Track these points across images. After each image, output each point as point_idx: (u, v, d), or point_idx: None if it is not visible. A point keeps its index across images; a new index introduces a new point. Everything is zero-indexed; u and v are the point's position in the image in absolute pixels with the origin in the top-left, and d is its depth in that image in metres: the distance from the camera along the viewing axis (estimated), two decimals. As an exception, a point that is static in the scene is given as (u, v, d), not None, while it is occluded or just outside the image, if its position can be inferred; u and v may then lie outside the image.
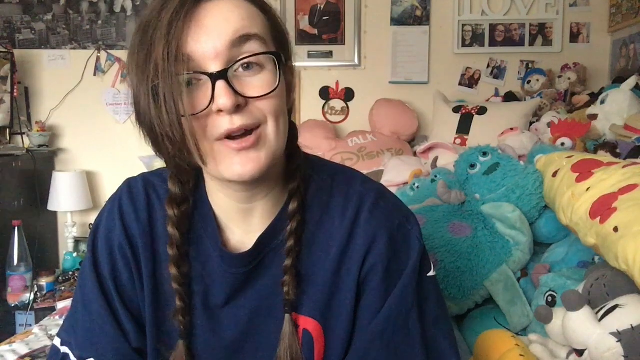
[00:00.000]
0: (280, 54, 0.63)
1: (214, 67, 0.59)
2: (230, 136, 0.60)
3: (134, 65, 0.62)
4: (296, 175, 0.71)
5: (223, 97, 0.58)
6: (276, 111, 0.62)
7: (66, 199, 2.53)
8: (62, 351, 0.75)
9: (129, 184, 0.76)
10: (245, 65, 0.61)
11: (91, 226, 2.73)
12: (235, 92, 0.59)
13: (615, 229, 0.88)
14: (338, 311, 0.71)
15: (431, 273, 0.74)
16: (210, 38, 0.59)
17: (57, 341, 0.76)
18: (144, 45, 0.60)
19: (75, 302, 0.76)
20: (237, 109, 0.59)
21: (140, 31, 0.61)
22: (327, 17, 2.70)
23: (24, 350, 1.23)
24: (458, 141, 2.20)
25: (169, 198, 0.72)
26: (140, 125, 0.64)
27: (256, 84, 0.61)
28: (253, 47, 0.61)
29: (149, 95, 0.59)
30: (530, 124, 2.10)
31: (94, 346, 0.72)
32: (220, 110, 0.59)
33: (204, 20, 0.59)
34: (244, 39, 0.60)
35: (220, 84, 0.58)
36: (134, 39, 0.63)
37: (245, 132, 0.61)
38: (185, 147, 0.61)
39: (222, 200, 0.71)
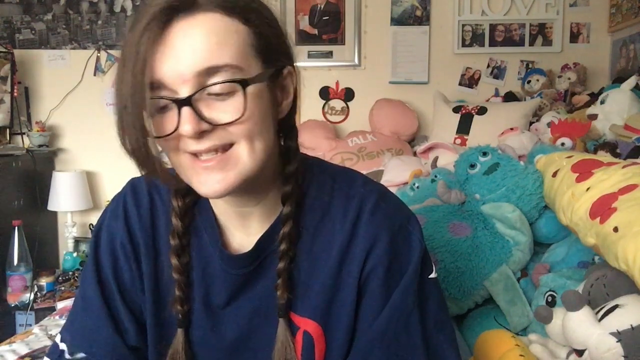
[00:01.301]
0: (247, 81, 0.59)
1: (184, 91, 0.58)
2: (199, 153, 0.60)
3: (115, 82, 0.61)
4: (290, 180, 0.71)
5: (187, 124, 0.57)
6: (249, 134, 0.61)
7: (66, 199, 2.52)
8: (60, 347, 0.76)
9: (133, 184, 0.77)
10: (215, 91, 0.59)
11: (91, 226, 2.73)
12: (201, 118, 0.58)
13: (615, 229, 0.88)
14: (338, 312, 0.71)
15: (432, 275, 0.74)
16: (177, 65, 0.57)
17: (57, 338, 0.78)
18: (120, 64, 0.60)
19: (76, 300, 0.78)
20: (203, 133, 0.59)
21: (121, 48, 0.61)
22: (327, 17, 2.70)
23: (24, 350, 1.23)
24: (458, 141, 2.20)
25: (175, 190, 0.72)
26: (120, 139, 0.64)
27: (226, 109, 0.59)
28: (222, 76, 0.58)
29: (121, 116, 0.60)
30: (530, 124, 2.10)
31: (87, 343, 0.73)
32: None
33: (173, 42, 0.58)
34: (212, 70, 0.58)
35: (186, 111, 0.57)
36: (119, 57, 0.63)
37: (215, 152, 0.60)
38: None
39: (219, 203, 0.72)
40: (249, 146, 0.61)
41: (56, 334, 0.82)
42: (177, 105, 0.58)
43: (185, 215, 0.73)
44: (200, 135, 0.58)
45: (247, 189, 0.66)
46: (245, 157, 0.61)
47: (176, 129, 0.58)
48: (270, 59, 0.63)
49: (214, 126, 0.59)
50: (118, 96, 0.60)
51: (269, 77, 0.63)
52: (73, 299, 0.81)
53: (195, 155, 0.61)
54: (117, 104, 0.60)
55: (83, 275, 0.77)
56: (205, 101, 0.59)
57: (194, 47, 0.57)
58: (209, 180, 0.61)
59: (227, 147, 0.60)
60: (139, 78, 0.57)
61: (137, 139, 0.59)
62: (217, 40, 0.58)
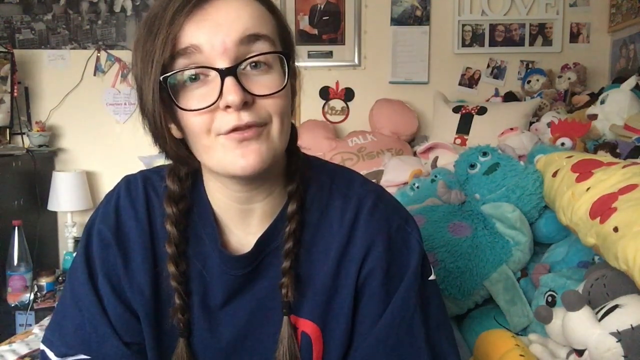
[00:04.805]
0: (289, 54, 0.63)
1: (222, 63, 0.59)
2: (234, 130, 0.60)
3: (139, 58, 0.62)
4: (295, 177, 0.71)
5: (232, 93, 0.58)
6: (281, 111, 0.62)
7: (66, 199, 2.52)
8: (40, 348, 0.74)
9: (127, 181, 0.76)
10: (253, 64, 0.61)
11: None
12: (243, 89, 0.59)
13: (615, 229, 0.88)
14: (337, 314, 0.70)
15: (432, 277, 0.74)
16: (219, 33, 0.59)
17: (42, 344, 0.75)
18: (148, 37, 0.61)
19: (63, 300, 0.75)
20: (244, 106, 0.59)
21: (146, 23, 0.62)
22: (327, 17, 2.70)
23: (24, 350, 1.23)
24: (458, 141, 2.20)
25: (167, 196, 0.71)
26: (143, 117, 0.64)
27: (264, 83, 0.61)
28: (261, 47, 0.61)
29: (152, 87, 0.60)
30: (530, 124, 2.10)
31: (84, 343, 0.71)
32: (227, 107, 0.59)
33: (214, 14, 0.59)
34: (253, 38, 0.60)
35: (230, 80, 0.58)
36: (139, 31, 0.63)
37: (250, 128, 0.61)
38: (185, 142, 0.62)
39: (221, 201, 0.71)
40: (280, 125, 0.63)
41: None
42: (220, 75, 0.59)
43: (180, 222, 0.71)
44: (241, 107, 0.59)
45: (258, 181, 0.67)
46: (276, 135, 0.63)
47: (216, 101, 0.59)
48: (288, 50, 0.66)
49: (254, 98, 0.60)
50: (147, 70, 0.60)
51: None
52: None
53: (229, 133, 0.61)
54: (147, 79, 0.61)
55: (72, 275, 0.74)
56: (244, 75, 0.60)
57: (238, 14, 0.60)
58: (244, 153, 0.61)
59: (261, 125, 0.61)
60: (170, 45, 0.59)
61: (153, 104, 0.61)
62: (257, 14, 0.62)
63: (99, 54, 2.71)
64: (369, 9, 2.69)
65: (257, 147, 0.61)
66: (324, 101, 2.75)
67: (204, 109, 0.60)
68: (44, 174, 2.56)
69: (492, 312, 1.21)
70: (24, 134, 2.65)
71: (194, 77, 0.60)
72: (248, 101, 0.59)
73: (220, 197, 0.71)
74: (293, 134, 0.71)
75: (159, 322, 0.72)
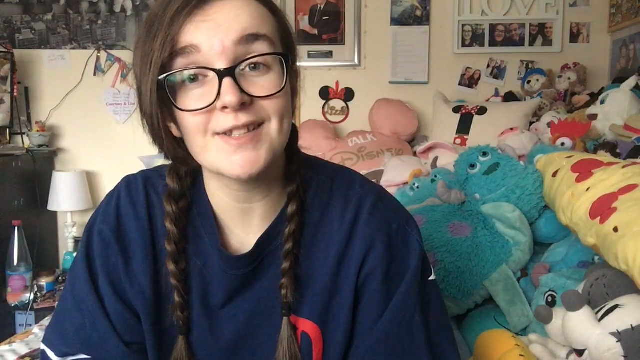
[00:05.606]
0: (288, 55, 0.63)
1: (220, 64, 0.59)
2: (231, 132, 0.60)
3: (138, 58, 0.62)
4: (295, 177, 0.71)
5: (229, 94, 0.58)
6: (281, 111, 0.62)
7: (66, 199, 2.52)
8: (41, 348, 0.75)
9: (128, 181, 0.76)
10: (252, 65, 0.60)
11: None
12: (241, 90, 0.59)
13: (615, 229, 0.88)
14: (337, 314, 0.70)
15: (432, 277, 0.74)
16: (218, 33, 0.59)
17: (42, 344, 0.75)
18: (147, 37, 0.61)
19: (63, 300, 0.75)
20: (242, 106, 0.59)
21: (146, 24, 0.62)
22: (327, 17, 2.70)
23: (23, 350, 1.23)
24: (458, 141, 2.20)
25: (167, 194, 0.71)
26: (142, 117, 0.64)
27: (262, 84, 0.61)
28: (261, 47, 0.61)
29: (150, 88, 0.60)
30: (530, 124, 2.10)
31: (85, 343, 0.72)
32: (225, 107, 0.59)
33: (213, 15, 0.59)
34: (252, 37, 0.60)
35: (227, 81, 0.58)
36: (139, 31, 0.63)
37: (247, 129, 0.61)
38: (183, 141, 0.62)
39: (221, 200, 0.71)
40: (279, 124, 0.62)
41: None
42: (218, 76, 0.58)
43: (180, 220, 0.71)
44: (239, 108, 0.59)
45: (258, 182, 0.66)
46: (274, 135, 0.62)
47: (213, 102, 0.59)
48: (289, 51, 0.66)
49: (253, 99, 0.60)
50: (147, 71, 0.60)
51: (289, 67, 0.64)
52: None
53: (226, 134, 0.60)
54: (146, 79, 0.61)
55: (73, 275, 0.74)
56: (243, 76, 0.60)
57: (237, 14, 0.60)
58: (241, 159, 0.61)
59: (258, 125, 0.61)
60: (169, 47, 0.58)
61: (151, 105, 0.61)
62: (257, 14, 0.61)
63: (99, 54, 2.71)
64: (369, 9, 2.69)
65: (254, 153, 0.61)
66: (324, 101, 2.74)
67: (201, 109, 0.60)
68: (44, 174, 2.56)
69: (492, 312, 1.22)
70: (24, 134, 2.65)
71: (192, 77, 0.60)
72: (246, 102, 0.59)
73: (221, 196, 0.71)
74: (294, 134, 0.71)
75: (159, 320, 0.72)
